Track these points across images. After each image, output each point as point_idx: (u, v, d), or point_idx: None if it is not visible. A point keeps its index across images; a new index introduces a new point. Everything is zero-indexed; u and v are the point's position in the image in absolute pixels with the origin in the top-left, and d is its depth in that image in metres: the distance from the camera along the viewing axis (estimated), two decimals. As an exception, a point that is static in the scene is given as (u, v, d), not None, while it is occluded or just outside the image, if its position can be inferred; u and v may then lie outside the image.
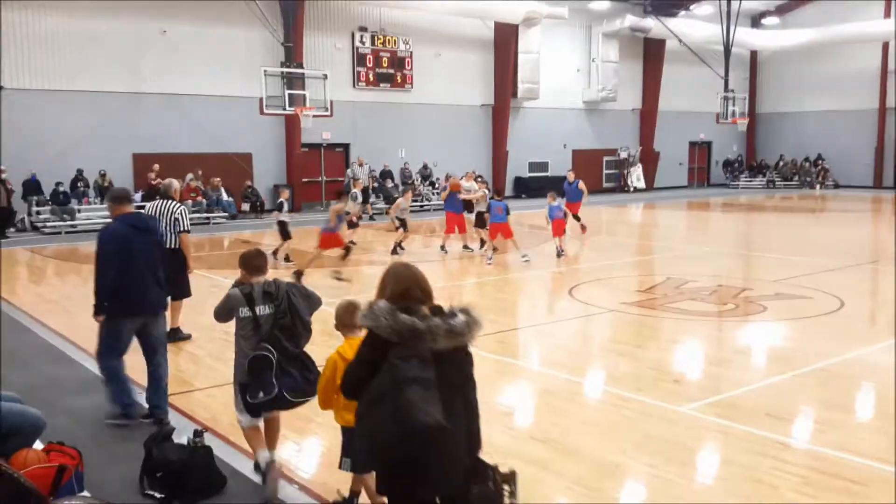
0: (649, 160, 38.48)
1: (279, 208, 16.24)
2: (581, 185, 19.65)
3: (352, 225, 17.91)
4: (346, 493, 4.93)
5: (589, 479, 5.29)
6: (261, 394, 4.97)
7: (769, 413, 6.53)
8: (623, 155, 37.68)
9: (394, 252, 16.63)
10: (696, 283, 12.72)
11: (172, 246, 9.03)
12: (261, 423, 5.32)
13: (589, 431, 6.19)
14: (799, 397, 7.09)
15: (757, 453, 5.67)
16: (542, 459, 5.59)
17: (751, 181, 41.01)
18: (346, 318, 4.73)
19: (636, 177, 37.81)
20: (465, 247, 17.52)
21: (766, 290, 12.19)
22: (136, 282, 6.24)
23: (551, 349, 9.07)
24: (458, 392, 3.70)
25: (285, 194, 16.79)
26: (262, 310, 5.12)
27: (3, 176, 20.68)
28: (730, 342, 9.45)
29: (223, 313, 5.28)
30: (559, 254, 16.07)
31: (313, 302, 5.39)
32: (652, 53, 37.89)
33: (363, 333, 3.79)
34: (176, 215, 9.00)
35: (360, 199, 18.50)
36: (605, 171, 37.94)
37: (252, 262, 5.33)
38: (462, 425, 3.65)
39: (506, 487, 3.70)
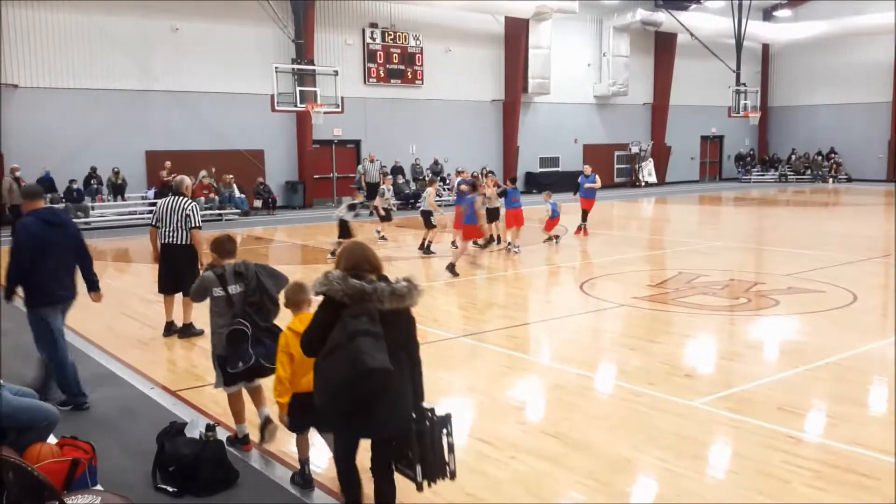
0: (661, 155, 38.34)
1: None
2: (597, 178, 19.29)
3: (385, 218, 18.12)
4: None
5: (600, 473, 5.29)
6: (240, 363, 5.53)
7: (781, 407, 6.51)
8: (634, 150, 37.55)
9: (426, 249, 16.43)
10: (707, 278, 12.68)
11: (184, 242, 9.07)
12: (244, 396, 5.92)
13: (600, 426, 6.18)
14: (811, 391, 7.06)
15: (769, 447, 5.66)
16: (554, 454, 5.59)
17: (763, 175, 40.80)
18: (294, 297, 5.20)
19: (648, 171, 37.68)
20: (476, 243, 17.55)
21: (779, 284, 12.14)
22: (50, 273, 6.68)
23: (562, 344, 9.06)
24: (402, 347, 4.30)
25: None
26: (234, 289, 5.62)
27: (17, 174, 20.81)
28: (742, 336, 9.41)
29: (199, 293, 5.75)
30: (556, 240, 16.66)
31: (280, 280, 5.76)
32: (663, 47, 37.72)
33: (311, 310, 4.62)
34: (187, 211, 9.04)
35: (387, 193, 18.98)
36: (616, 166, 37.82)
37: (224, 246, 5.88)
38: (406, 375, 4.23)
39: (444, 429, 4.28)
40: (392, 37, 29.44)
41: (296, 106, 22.47)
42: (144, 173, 24.72)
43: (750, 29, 35.19)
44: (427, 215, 16.71)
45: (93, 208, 22.58)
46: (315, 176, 28.10)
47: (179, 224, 9.00)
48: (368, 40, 28.92)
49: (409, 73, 30.00)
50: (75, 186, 22.35)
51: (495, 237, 17.08)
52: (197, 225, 9.05)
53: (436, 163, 29.98)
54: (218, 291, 5.60)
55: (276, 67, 22.31)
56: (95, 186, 23.16)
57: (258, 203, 25.78)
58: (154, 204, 22.31)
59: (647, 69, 38.04)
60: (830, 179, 38.55)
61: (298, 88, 22.29)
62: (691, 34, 35.19)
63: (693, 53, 36.85)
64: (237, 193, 25.03)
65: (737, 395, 6.86)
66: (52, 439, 5.13)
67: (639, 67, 37.14)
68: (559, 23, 33.11)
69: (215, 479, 5.11)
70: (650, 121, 38.63)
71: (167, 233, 9.06)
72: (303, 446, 5.23)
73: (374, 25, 29.08)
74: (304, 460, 5.24)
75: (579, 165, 35.79)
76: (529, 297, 12.31)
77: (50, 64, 23.05)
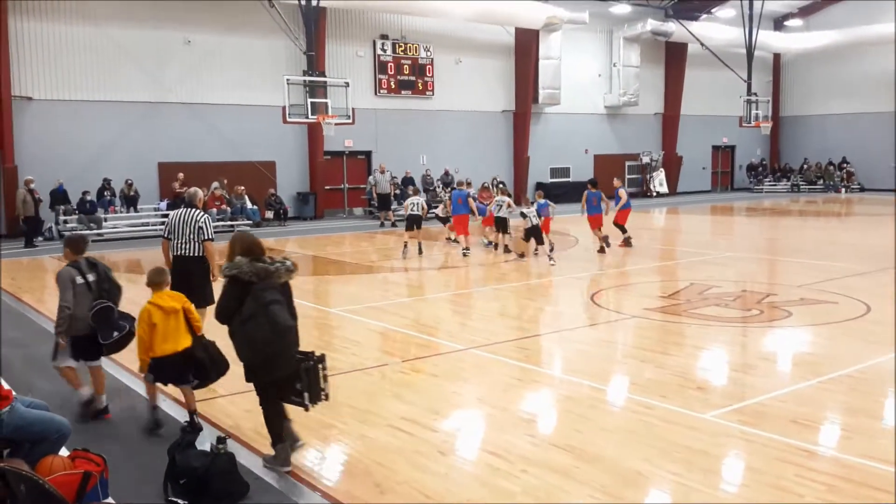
0: (672, 165, 38.27)
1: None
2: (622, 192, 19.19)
3: (443, 220, 18.35)
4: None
5: (612, 486, 5.26)
6: (115, 333, 6.84)
7: (794, 420, 6.47)
8: (645, 160, 37.50)
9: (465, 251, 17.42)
10: (719, 289, 12.63)
11: (197, 254, 9.09)
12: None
13: (612, 439, 6.15)
14: (824, 404, 7.01)
15: (782, 461, 5.62)
16: (565, 467, 5.57)
17: (775, 185, 40.63)
18: (157, 279, 6.69)
19: (659, 181, 37.60)
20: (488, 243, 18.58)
21: (791, 295, 12.08)
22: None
23: (573, 356, 9.04)
24: (290, 307, 5.71)
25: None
26: (91, 277, 6.91)
27: (32, 186, 20.97)
28: (754, 348, 9.36)
29: (64, 285, 6.75)
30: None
31: (109, 270, 7.24)
32: (674, 57, 37.70)
33: (166, 289, 6.68)
34: (200, 224, 9.06)
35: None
36: (627, 176, 37.73)
37: (77, 244, 7.14)
38: (295, 329, 5.68)
39: (320, 365, 5.69)
40: (403, 48, 29.55)
41: (307, 117, 22.56)
42: (157, 185, 24.87)
43: (761, 38, 35.13)
44: (503, 222, 17.79)
45: (105, 220, 22.70)
46: (326, 187, 28.19)
47: (192, 236, 9.03)
48: (379, 52, 29.04)
49: (419, 85, 30.09)
50: (88, 198, 22.48)
51: (499, 244, 18.07)
52: (209, 237, 9.08)
53: (446, 173, 30.02)
54: (80, 279, 6.80)
55: (288, 79, 22.42)
56: (108, 198, 23.29)
57: (270, 214, 25.87)
58: (167, 216, 22.49)
59: (658, 79, 38.02)
60: (843, 189, 38.34)
61: (310, 100, 22.38)
62: (702, 44, 35.17)
63: (704, 63, 36.80)
64: (249, 204, 25.13)
65: (749, 408, 6.82)
66: (64, 451, 5.14)
67: (649, 77, 37.11)
68: (569, 33, 33.15)
69: (226, 491, 5.12)
70: (661, 131, 38.57)
71: (179, 244, 9.09)
72: (153, 392, 6.68)
73: (384, 37, 29.20)
74: (154, 405, 6.65)
75: (590, 175, 35.82)
76: (540, 309, 12.28)
77: (64, 76, 23.25)
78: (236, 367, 8.28)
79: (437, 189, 29.03)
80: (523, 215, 16.93)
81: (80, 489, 4.61)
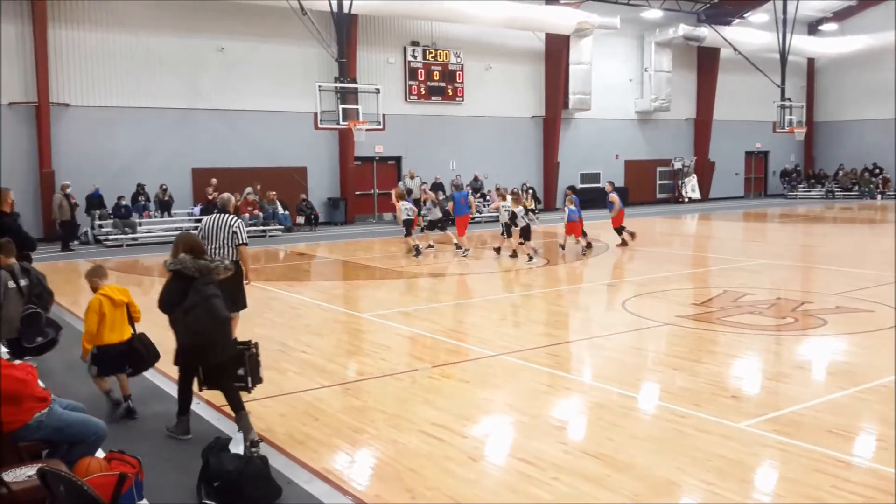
0: (704, 170, 37.95)
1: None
2: (612, 197, 20.21)
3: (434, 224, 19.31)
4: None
5: (644, 495, 5.22)
6: (39, 339, 7.38)
7: (830, 430, 6.37)
8: (677, 165, 37.22)
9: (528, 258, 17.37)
10: (753, 296, 12.48)
11: (231, 258, 9.16)
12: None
13: (644, 447, 6.10)
14: (861, 414, 6.90)
15: (817, 471, 5.53)
16: (597, 475, 5.54)
17: (809, 191, 40.13)
18: (97, 274, 7.14)
19: (691, 187, 37.32)
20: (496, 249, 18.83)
21: (826, 303, 11.90)
22: None
23: (605, 363, 8.98)
24: (227, 302, 6.53)
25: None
26: (23, 282, 7.32)
27: (68, 191, 21.34)
28: (789, 357, 9.24)
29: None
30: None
31: (43, 277, 7.77)
32: (706, 62, 37.42)
33: (109, 283, 7.13)
34: (234, 229, 9.13)
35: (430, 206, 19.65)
36: (658, 182, 37.54)
37: (6, 247, 7.49)
38: (230, 319, 6.51)
39: (253, 350, 6.47)
40: (433, 54, 29.66)
41: (338, 123, 22.71)
42: (191, 190, 25.18)
43: (795, 43, 34.73)
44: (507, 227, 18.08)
45: (140, 224, 23.02)
46: (356, 192, 28.37)
47: (226, 241, 9.10)
48: (410, 58, 29.17)
49: (449, 90, 30.17)
50: (123, 203, 22.82)
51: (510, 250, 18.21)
52: (244, 242, 9.16)
53: (476, 179, 30.05)
54: (12, 284, 7.21)
55: (320, 86, 22.61)
56: (143, 203, 23.63)
57: (301, 219, 26.08)
58: (200, 220, 22.75)
59: (690, 84, 37.75)
60: (878, 195, 37.75)
61: (341, 106, 22.54)
62: (735, 49, 34.88)
63: (737, 68, 36.49)
64: (280, 210, 25.34)
65: (784, 418, 6.73)
66: (100, 453, 5.22)
67: (681, 82, 36.87)
68: (600, 38, 33.06)
69: (259, 494, 5.16)
70: (693, 136, 38.29)
71: (213, 249, 9.16)
72: (102, 384, 7.04)
73: (415, 44, 29.33)
74: (107, 391, 7.03)
75: (621, 181, 35.73)
76: (571, 315, 12.23)
77: (100, 83, 23.65)
78: (269, 372, 8.38)
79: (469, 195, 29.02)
80: (514, 216, 17.44)
81: (116, 490, 4.67)
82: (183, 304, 6.15)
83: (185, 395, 6.61)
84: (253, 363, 6.46)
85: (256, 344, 6.55)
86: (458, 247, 18.72)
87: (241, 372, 6.39)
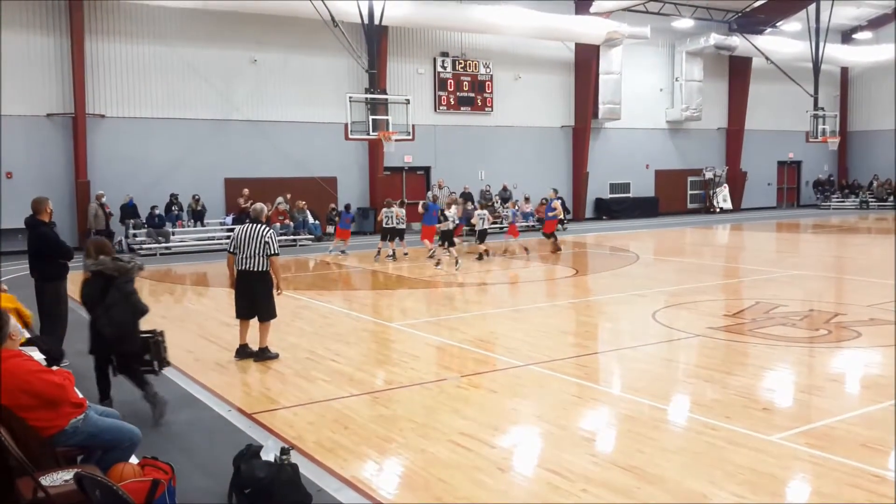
0: (736, 180, 37.60)
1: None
2: (554, 204, 21.52)
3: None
4: None
5: (674, 507, 5.18)
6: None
7: (864, 444, 6.28)
8: (709, 175, 36.93)
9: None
10: (786, 308, 12.34)
11: (262, 268, 9.25)
12: None
13: (674, 459, 6.06)
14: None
15: (852, 486, 5.46)
16: (627, 487, 5.51)
17: (843, 202, 39.58)
18: None
19: (722, 197, 36.99)
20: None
21: (860, 315, 11.73)
22: None
23: (634, 374, 8.93)
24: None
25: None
26: None
27: (103, 200, 21.69)
28: (822, 369, 9.12)
29: None
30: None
31: None
32: (738, 72, 37.13)
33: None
34: (266, 239, 9.23)
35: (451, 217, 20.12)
36: (689, 192, 37.27)
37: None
38: None
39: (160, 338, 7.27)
40: (462, 65, 29.78)
41: (368, 134, 22.86)
42: (223, 200, 25.49)
43: (828, 52, 34.30)
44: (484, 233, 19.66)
45: (173, 234, 23.32)
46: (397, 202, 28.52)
47: (257, 251, 9.20)
48: (439, 69, 29.31)
49: (478, 101, 30.25)
50: (157, 212, 23.14)
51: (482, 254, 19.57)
52: (275, 252, 9.25)
53: (505, 189, 30.05)
54: None
55: (350, 97, 22.78)
56: (176, 212, 23.94)
57: (331, 228, 26.21)
58: (232, 230, 23.01)
59: (722, 93, 37.47)
60: (915, 206, 37.13)
61: (371, 117, 22.69)
62: (767, 58, 34.58)
63: (769, 77, 36.17)
64: (311, 219, 25.54)
65: (817, 431, 6.65)
66: (133, 459, 5.30)
67: (713, 92, 36.61)
68: (630, 48, 32.96)
69: (289, 501, 5.19)
70: (725, 146, 37.97)
71: (244, 259, 9.27)
72: None
73: (444, 54, 29.46)
74: None
75: (651, 192, 35.55)
76: (600, 326, 12.18)
77: (135, 95, 24.05)
78: (299, 380, 8.46)
79: (496, 204, 29.07)
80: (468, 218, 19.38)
81: (149, 496, 4.73)
82: (105, 300, 6.91)
83: (104, 382, 7.39)
84: (157, 349, 7.20)
85: (162, 332, 7.32)
86: (430, 256, 19.63)
87: (147, 357, 7.18)
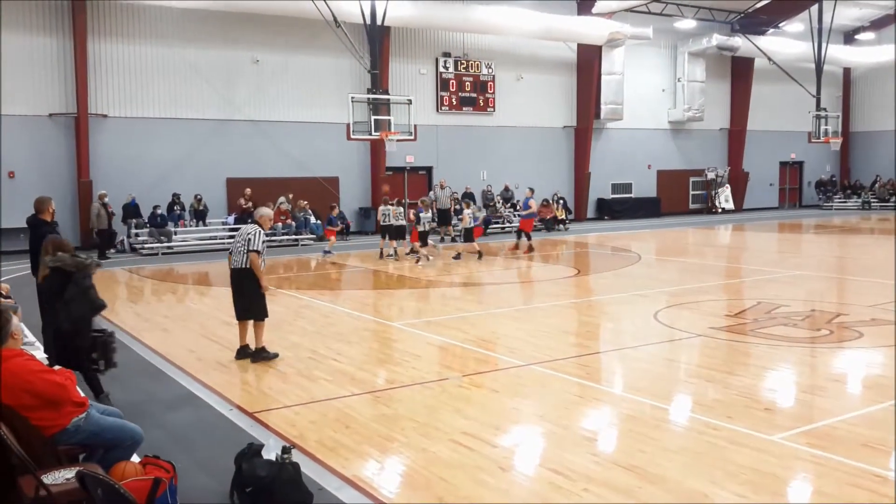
0: (738, 181, 37.59)
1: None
2: (531, 202, 22.03)
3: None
4: None
5: (675, 507, 5.18)
6: None
7: (866, 444, 6.27)
8: (710, 175, 36.92)
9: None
10: (788, 308, 12.33)
11: (247, 265, 9.12)
12: None
13: (676, 459, 6.06)
14: (899, 428, 6.78)
15: (853, 486, 5.45)
16: (629, 487, 5.51)
17: (845, 202, 39.55)
18: None
19: (724, 198, 36.98)
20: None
21: (862, 315, 11.72)
22: None
23: (636, 374, 8.92)
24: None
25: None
26: None
27: (105, 200, 21.72)
28: (824, 369, 9.11)
29: None
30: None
31: None
32: (740, 72, 37.12)
33: None
34: (249, 235, 9.11)
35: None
36: (691, 192, 37.26)
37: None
38: None
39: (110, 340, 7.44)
40: (465, 65, 29.79)
41: (370, 134, 22.87)
42: (225, 200, 25.52)
43: (830, 52, 34.29)
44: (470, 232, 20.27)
45: (175, 233, 23.34)
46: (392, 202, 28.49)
47: (242, 248, 9.13)
48: (441, 69, 29.32)
49: (480, 101, 30.26)
50: (159, 212, 23.16)
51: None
52: (255, 248, 9.04)
53: (506, 189, 30.05)
54: None
55: (353, 97, 22.80)
56: (178, 212, 23.96)
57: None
58: (235, 229, 23.03)
59: (724, 94, 37.47)
60: (918, 207, 37.08)
61: (373, 117, 22.70)
62: (769, 59, 34.56)
63: (771, 78, 36.15)
64: (312, 219, 25.55)
65: (819, 431, 6.64)
66: (135, 458, 5.31)
67: (715, 92, 36.61)
68: (633, 49, 32.96)
69: (290, 500, 5.20)
70: (727, 146, 37.97)
71: (235, 258, 9.25)
72: None
73: (447, 55, 29.48)
74: None
75: (653, 192, 35.55)
76: (601, 326, 12.18)
77: (137, 95, 24.09)
78: (301, 380, 8.46)
79: (497, 204, 29.09)
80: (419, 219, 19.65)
81: (151, 494, 4.74)
82: (63, 296, 7.12)
83: (93, 382, 7.38)
84: (105, 349, 7.32)
85: (112, 333, 7.54)
86: (413, 251, 20.09)
87: (94, 356, 7.30)
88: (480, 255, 19.76)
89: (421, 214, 19.74)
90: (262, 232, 9.21)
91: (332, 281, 17.58)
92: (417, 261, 19.14)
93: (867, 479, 5.56)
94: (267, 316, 9.47)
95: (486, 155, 30.54)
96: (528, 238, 21.53)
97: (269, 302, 9.52)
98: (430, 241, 20.25)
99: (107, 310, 13.07)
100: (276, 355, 9.39)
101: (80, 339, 7.21)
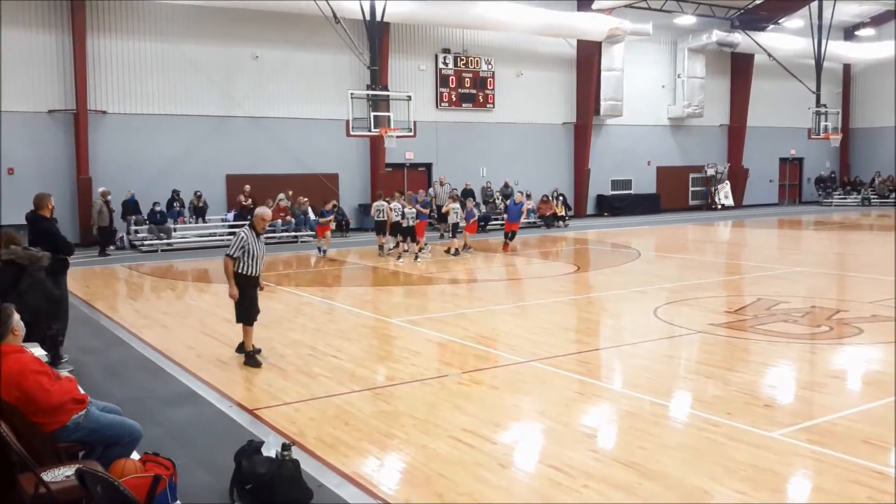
0: (738, 177, 37.57)
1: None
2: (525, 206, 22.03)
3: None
4: None
5: None
6: None
7: (866, 440, 6.28)
8: (710, 172, 36.89)
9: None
10: (788, 305, 12.33)
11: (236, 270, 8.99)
12: None
13: (675, 456, 6.06)
14: (899, 425, 6.78)
15: (853, 482, 5.46)
16: (628, 483, 5.51)
17: (845, 199, 39.52)
18: None
19: (724, 194, 36.95)
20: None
21: (862, 311, 11.73)
22: None
23: (636, 371, 8.92)
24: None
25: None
26: None
27: (108, 197, 21.75)
28: (824, 366, 9.12)
29: None
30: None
31: None
32: (740, 68, 37.07)
33: None
34: (233, 238, 9.05)
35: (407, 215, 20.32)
36: (691, 189, 37.24)
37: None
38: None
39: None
40: (464, 62, 29.74)
41: (370, 130, 22.83)
42: (225, 196, 25.48)
43: (830, 48, 34.20)
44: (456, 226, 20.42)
45: (175, 230, 23.32)
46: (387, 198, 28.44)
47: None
48: (441, 65, 29.27)
49: (480, 97, 30.22)
50: (158, 209, 23.13)
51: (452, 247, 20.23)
52: (228, 252, 8.86)
53: (506, 185, 30.02)
54: None
55: (352, 93, 22.75)
56: (178, 209, 23.94)
57: (332, 225, 26.18)
58: (234, 226, 23.02)
59: (724, 90, 37.42)
60: (918, 203, 37.05)
61: (373, 113, 22.66)
62: (769, 55, 34.49)
63: (771, 74, 36.10)
64: (312, 216, 25.52)
65: (819, 427, 6.65)
66: (135, 455, 5.31)
67: (715, 88, 36.56)
68: (632, 45, 32.90)
69: (290, 497, 5.20)
70: (727, 143, 37.93)
71: None
72: None
73: (446, 51, 29.43)
74: None
75: (653, 188, 35.54)
76: (601, 322, 12.18)
77: (136, 91, 24.04)
78: (300, 376, 8.46)
79: (497, 201, 29.07)
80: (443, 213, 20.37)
81: (151, 492, 4.74)
82: (18, 288, 7.38)
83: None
84: (53, 343, 7.79)
85: (59, 329, 7.96)
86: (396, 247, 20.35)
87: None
88: (457, 251, 19.88)
89: (406, 210, 19.75)
90: (243, 237, 8.82)
91: (331, 278, 17.57)
92: (399, 257, 19.34)
93: (867, 476, 5.56)
94: (242, 320, 9.09)
95: (486, 151, 30.50)
96: (512, 238, 21.23)
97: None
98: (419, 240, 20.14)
99: (107, 307, 13.15)
100: (256, 362, 8.97)
101: (34, 332, 7.20)
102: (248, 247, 8.82)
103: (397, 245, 20.35)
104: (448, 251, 20.04)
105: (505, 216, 22.76)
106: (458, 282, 16.06)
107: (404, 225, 19.54)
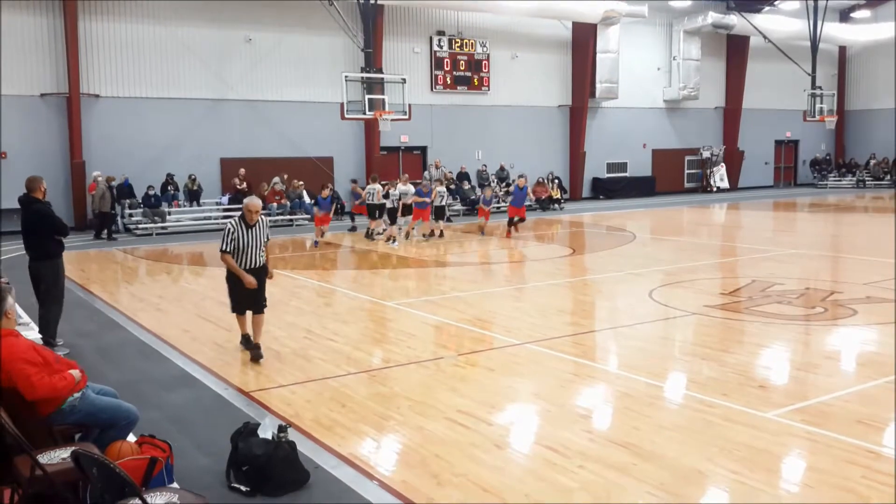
0: (733, 159, 37.55)
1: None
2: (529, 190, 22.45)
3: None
4: None
5: (670, 484, 5.21)
6: None
7: (860, 420, 6.31)
8: (706, 154, 36.87)
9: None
10: (782, 286, 12.36)
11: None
12: None
13: (671, 436, 6.09)
14: (891, 404, 6.81)
15: (847, 462, 5.49)
16: (623, 464, 5.54)
17: (840, 181, 39.57)
18: None
19: (720, 177, 36.95)
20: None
21: (856, 293, 11.76)
22: None
23: (631, 352, 8.95)
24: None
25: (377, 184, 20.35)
26: None
27: (112, 182, 21.72)
28: (818, 347, 9.15)
29: None
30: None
31: None
32: (735, 50, 36.97)
33: None
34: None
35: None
36: (686, 171, 37.23)
37: None
38: None
39: None
40: (459, 44, 29.60)
41: (364, 113, 22.76)
42: (219, 180, 25.40)
43: (826, 30, 34.13)
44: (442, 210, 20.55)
45: (169, 213, 23.26)
46: (382, 182, 28.37)
47: None
48: (436, 48, 29.13)
49: (475, 80, 30.10)
50: (153, 192, 23.07)
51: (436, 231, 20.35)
52: (220, 247, 8.54)
53: (502, 168, 29.99)
54: None
55: (346, 76, 22.66)
56: (172, 192, 23.87)
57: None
58: (228, 210, 22.96)
59: (719, 72, 37.33)
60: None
61: (367, 96, 22.57)
62: (765, 37, 34.39)
63: (767, 56, 36.02)
64: (307, 199, 25.46)
65: (813, 408, 6.68)
66: (131, 437, 5.32)
67: (710, 71, 36.46)
68: (628, 27, 32.77)
69: (287, 479, 5.22)
70: (722, 125, 37.89)
71: None
72: None
73: (441, 33, 29.28)
74: None
75: (648, 171, 35.51)
76: (597, 305, 12.20)
77: (129, 75, 23.89)
78: (297, 359, 8.46)
79: (493, 184, 29.02)
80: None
81: (147, 474, 4.75)
82: None
83: None
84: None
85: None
86: (379, 232, 20.41)
87: None
88: (431, 234, 20.10)
89: (391, 191, 19.75)
90: (231, 229, 8.38)
91: (327, 261, 17.56)
92: (390, 239, 19.26)
93: (861, 455, 5.59)
94: (233, 310, 8.90)
95: (482, 134, 30.42)
96: (520, 222, 21.00)
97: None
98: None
99: (103, 291, 13.12)
100: (251, 348, 8.72)
101: None
102: (236, 240, 8.35)
103: (386, 229, 20.31)
104: (432, 234, 20.15)
105: (509, 201, 22.37)
106: (453, 265, 16.06)
107: (389, 207, 19.62)
